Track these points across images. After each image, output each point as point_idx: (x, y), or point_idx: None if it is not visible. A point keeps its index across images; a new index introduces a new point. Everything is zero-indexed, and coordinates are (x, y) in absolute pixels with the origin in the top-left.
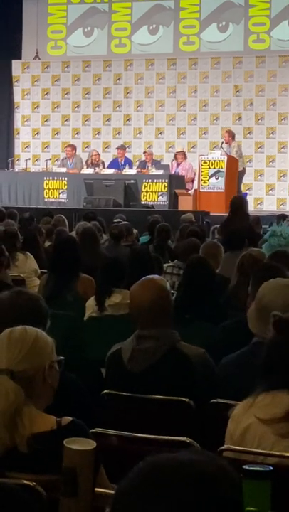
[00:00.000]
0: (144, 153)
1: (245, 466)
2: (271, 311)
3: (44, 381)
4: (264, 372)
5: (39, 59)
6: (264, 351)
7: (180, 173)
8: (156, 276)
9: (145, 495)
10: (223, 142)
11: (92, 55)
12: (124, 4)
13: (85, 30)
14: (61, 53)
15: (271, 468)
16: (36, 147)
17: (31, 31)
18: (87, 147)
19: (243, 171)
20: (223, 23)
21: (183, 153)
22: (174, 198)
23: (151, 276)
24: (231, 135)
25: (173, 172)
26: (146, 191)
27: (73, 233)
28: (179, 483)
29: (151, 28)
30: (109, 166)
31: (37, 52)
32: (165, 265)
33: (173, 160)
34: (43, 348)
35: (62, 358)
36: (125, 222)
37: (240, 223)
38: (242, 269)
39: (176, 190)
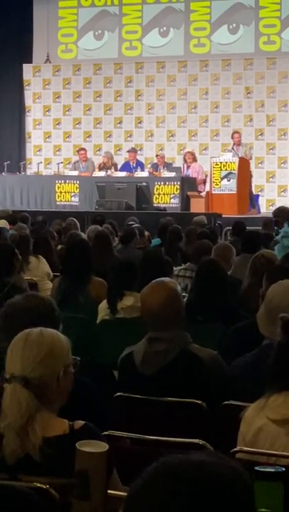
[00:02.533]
0: (156, 155)
1: (257, 468)
2: (281, 313)
3: (58, 385)
4: (275, 374)
5: (50, 62)
6: (274, 353)
7: (190, 175)
8: (166, 279)
9: (157, 496)
10: (234, 144)
11: (103, 58)
12: (135, 7)
13: (96, 33)
14: (72, 57)
15: (283, 469)
16: (48, 150)
17: (42, 35)
18: (98, 150)
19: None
20: (234, 25)
21: (192, 154)
22: (186, 200)
23: (161, 278)
24: (240, 137)
25: (183, 174)
26: (159, 194)
27: (84, 236)
28: (191, 484)
29: (161, 30)
30: (121, 169)
31: (48, 56)
32: (177, 268)
33: (183, 163)
34: (60, 352)
35: (78, 358)
36: (137, 225)
37: None
38: (254, 270)
39: (188, 193)
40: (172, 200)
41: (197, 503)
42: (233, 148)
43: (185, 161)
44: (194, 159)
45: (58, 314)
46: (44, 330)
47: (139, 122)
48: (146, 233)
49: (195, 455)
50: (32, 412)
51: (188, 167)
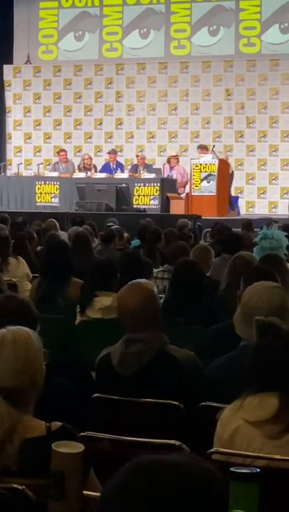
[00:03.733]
0: (136, 156)
1: (233, 469)
2: (257, 314)
3: (35, 388)
4: (251, 376)
5: (30, 63)
6: (250, 355)
7: (174, 177)
8: (143, 280)
9: (132, 496)
10: (214, 146)
11: (84, 59)
12: (115, 8)
13: (76, 34)
14: (52, 58)
15: (258, 470)
16: (28, 151)
17: (22, 36)
18: (78, 151)
19: (232, 175)
20: (214, 27)
21: (177, 157)
22: (165, 202)
23: (138, 280)
24: (204, 148)
25: (166, 175)
26: (138, 195)
27: (65, 237)
28: (164, 485)
29: (142, 32)
30: (101, 170)
31: (28, 57)
32: (156, 270)
33: (165, 164)
34: (35, 356)
35: (47, 351)
36: (116, 226)
37: None
38: (234, 271)
39: (168, 194)
40: (152, 202)
41: (172, 503)
42: (213, 150)
43: (169, 162)
44: (178, 161)
45: (35, 315)
46: (17, 334)
47: (120, 124)
48: (126, 235)
49: (170, 456)
50: (13, 423)
51: (171, 168)
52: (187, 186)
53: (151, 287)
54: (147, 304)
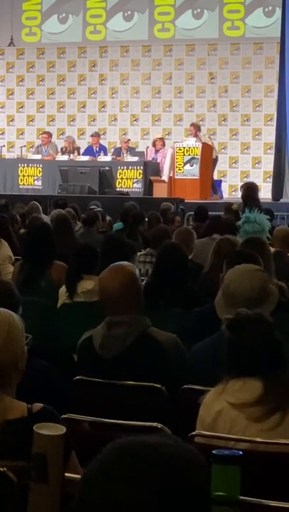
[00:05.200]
0: (119, 140)
1: (215, 451)
2: (237, 298)
3: (17, 368)
4: (231, 362)
5: (14, 46)
6: (227, 344)
7: (158, 160)
8: (124, 263)
9: (111, 478)
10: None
11: (67, 41)
12: None
13: (60, 16)
14: (36, 40)
15: (240, 453)
16: (11, 134)
17: (6, 18)
18: (62, 134)
19: (216, 160)
20: (198, 10)
21: (162, 139)
22: (148, 185)
23: (119, 262)
24: (196, 127)
25: (150, 159)
26: (122, 178)
27: (48, 220)
28: (145, 466)
29: (126, 14)
30: (84, 153)
31: (12, 39)
32: (138, 254)
33: (149, 147)
34: (17, 336)
35: (30, 336)
36: (99, 209)
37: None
38: (218, 253)
39: (151, 177)
40: (135, 185)
41: (152, 484)
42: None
43: (154, 145)
44: (164, 144)
45: (17, 297)
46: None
47: (103, 106)
48: (108, 218)
49: (149, 437)
50: None
51: (157, 151)
52: (170, 170)
53: (132, 269)
54: (129, 286)
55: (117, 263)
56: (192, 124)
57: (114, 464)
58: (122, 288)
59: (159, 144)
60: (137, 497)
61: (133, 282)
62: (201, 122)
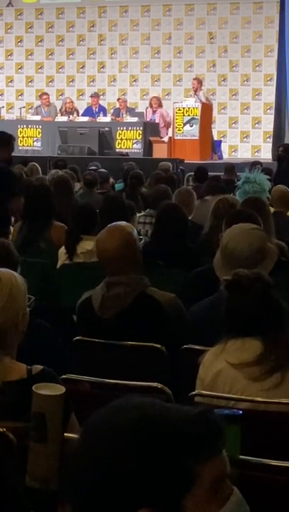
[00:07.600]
0: (118, 100)
1: (215, 411)
2: (236, 257)
3: (17, 329)
4: (230, 322)
5: (12, 6)
6: (225, 304)
7: (156, 121)
8: (122, 223)
9: (99, 434)
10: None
11: (66, 1)
12: None
13: None
14: (34, 0)
15: (240, 412)
16: (10, 95)
17: None
18: (61, 95)
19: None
20: None
21: (158, 98)
22: (148, 146)
23: (117, 222)
24: (199, 82)
25: (148, 119)
26: (121, 139)
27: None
28: (124, 424)
29: None
30: (84, 114)
31: (10, 0)
32: (138, 215)
33: (147, 108)
34: (18, 296)
35: (33, 298)
36: (102, 170)
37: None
38: (217, 213)
39: (151, 138)
40: (134, 146)
41: (126, 442)
42: (196, 94)
43: (151, 105)
44: (160, 105)
45: (15, 257)
46: (2, 274)
47: (102, 67)
48: (111, 180)
49: (137, 398)
50: None
51: (154, 112)
52: (170, 130)
53: (130, 229)
54: (127, 246)
55: (114, 223)
56: (195, 78)
57: (102, 423)
58: (120, 248)
59: (154, 102)
60: (118, 445)
61: (131, 242)
62: None
